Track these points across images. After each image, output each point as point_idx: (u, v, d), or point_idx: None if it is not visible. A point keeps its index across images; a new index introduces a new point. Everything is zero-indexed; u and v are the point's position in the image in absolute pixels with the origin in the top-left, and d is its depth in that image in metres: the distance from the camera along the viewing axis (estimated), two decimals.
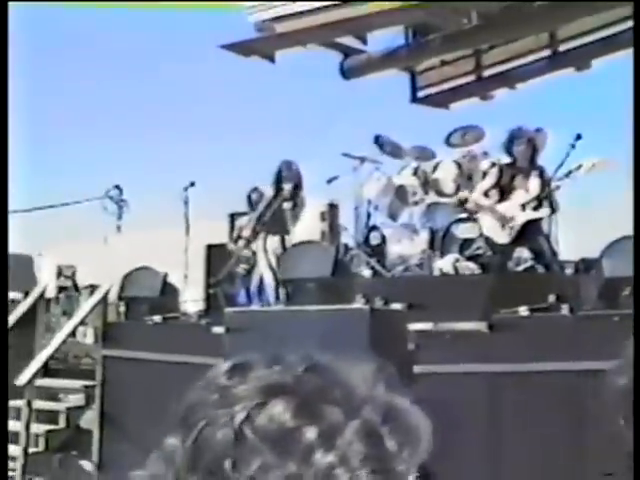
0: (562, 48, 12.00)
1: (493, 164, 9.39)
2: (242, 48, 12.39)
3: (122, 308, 9.31)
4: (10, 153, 8.53)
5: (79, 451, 9.12)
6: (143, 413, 8.52)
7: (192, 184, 10.53)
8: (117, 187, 12.48)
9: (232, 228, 10.72)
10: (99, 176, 14.98)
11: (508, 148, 8.88)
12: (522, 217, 8.58)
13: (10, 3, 8.45)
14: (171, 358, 8.46)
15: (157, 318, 8.79)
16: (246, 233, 9.99)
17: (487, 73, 12.70)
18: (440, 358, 7.13)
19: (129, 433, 8.60)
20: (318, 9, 11.34)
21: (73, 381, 9.61)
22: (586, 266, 8.57)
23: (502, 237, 8.64)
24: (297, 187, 9.91)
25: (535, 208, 8.62)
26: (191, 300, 10.14)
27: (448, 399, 6.95)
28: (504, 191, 8.74)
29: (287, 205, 9.82)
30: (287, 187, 9.79)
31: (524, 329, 7.06)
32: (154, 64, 17.85)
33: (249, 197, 10.49)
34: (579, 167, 8.62)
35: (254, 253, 10.19)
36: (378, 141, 10.73)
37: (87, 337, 10.73)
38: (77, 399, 9.48)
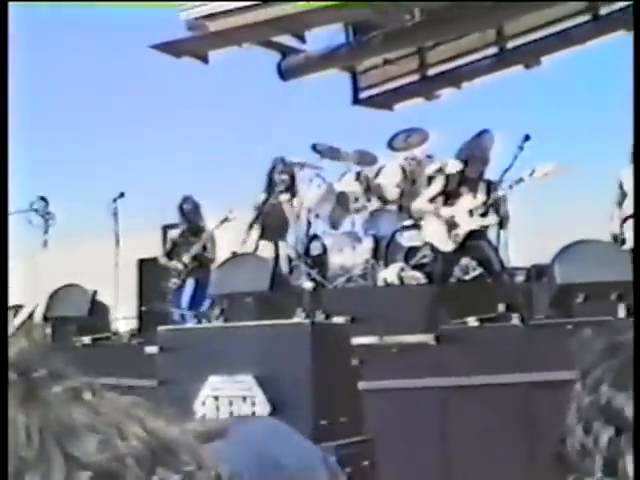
0: (510, 45, 12.14)
1: (439, 169, 9.49)
2: (173, 48, 12.35)
3: (48, 329, 9.26)
4: None
5: None
6: None
7: (121, 195, 10.49)
8: (42, 198, 12.41)
9: (165, 241, 10.72)
10: (21, 186, 14.87)
11: (459, 155, 9.00)
12: (468, 224, 8.67)
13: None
14: (102, 381, 8.43)
15: (86, 339, 8.76)
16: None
17: (432, 72, 12.80)
18: (386, 373, 7.20)
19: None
20: (254, 6, 11.35)
21: None
22: (538, 273, 8.70)
23: (447, 244, 8.73)
24: (293, 180, 10.18)
25: (482, 215, 8.72)
26: (122, 318, 10.12)
27: (396, 415, 7.05)
28: (450, 196, 8.83)
29: (284, 197, 10.05)
30: (283, 177, 10.06)
31: (473, 340, 7.16)
32: (81, 64, 17.77)
33: (181, 207, 10.52)
34: (532, 172, 8.73)
35: (185, 266, 10.24)
36: (315, 148, 10.81)
37: None
38: None
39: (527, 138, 8.77)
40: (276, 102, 13.62)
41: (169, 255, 10.45)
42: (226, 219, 10.25)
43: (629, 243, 8.32)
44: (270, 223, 10.11)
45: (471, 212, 8.68)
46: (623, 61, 8.85)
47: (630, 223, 8.45)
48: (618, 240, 8.55)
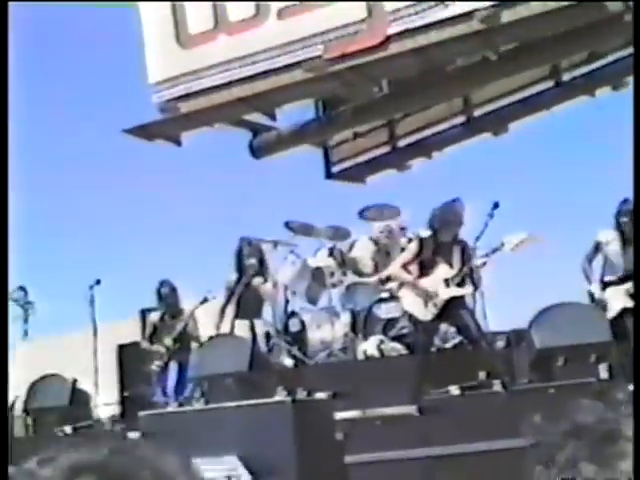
0: (477, 113, 12.31)
1: (410, 239, 9.58)
2: (145, 131, 12.43)
3: (29, 421, 9.24)
4: None
5: None
6: None
7: (98, 282, 10.54)
8: (21, 288, 12.42)
9: (144, 325, 10.75)
10: None
11: (431, 222, 9.10)
12: (446, 293, 8.74)
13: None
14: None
15: (67, 429, 8.74)
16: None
17: (402, 143, 12.92)
18: (371, 446, 7.22)
19: None
20: (223, 85, 11.48)
21: None
22: (517, 338, 8.77)
23: (425, 314, 8.79)
24: (262, 264, 10.23)
25: (459, 284, 8.80)
26: (104, 405, 10.10)
27: None
28: (425, 266, 8.91)
29: (258, 280, 10.11)
30: (252, 261, 10.11)
31: (456, 409, 7.19)
32: (54, 147, 17.89)
33: (158, 291, 10.56)
34: (502, 245, 8.85)
35: (168, 349, 10.25)
36: (288, 226, 10.92)
37: None
38: None
39: (496, 206, 8.90)
40: (249, 180, 13.77)
41: (150, 339, 10.47)
42: (206, 299, 10.31)
43: (611, 308, 8.40)
44: (245, 302, 10.19)
45: (447, 281, 8.75)
46: (587, 125, 9.04)
47: (611, 289, 8.54)
48: (596, 302, 8.61)
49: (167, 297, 10.51)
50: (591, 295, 8.67)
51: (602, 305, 8.47)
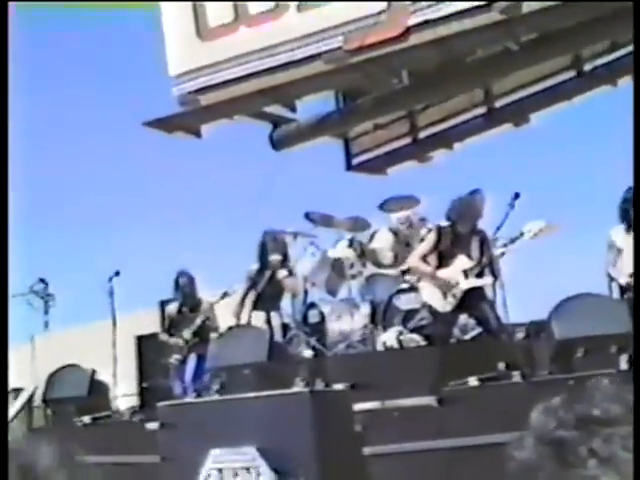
0: (498, 104, 12.25)
1: (430, 230, 9.55)
2: (165, 124, 12.44)
3: (48, 411, 9.28)
4: None
5: None
6: None
7: (117, 273, 10.58)
8: (42, 280, 12.50)
9: (163, 316, 10.76)
10: (21, 269, 14.95)
11: (448, 214, 9.09)
12: (465, 284, 8.72)
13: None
14: (105, 460, 8.43)
15: (86, 419, 8.77)
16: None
17: (423, 134, 12.88)
18: (390, 437, 7.20)
19: None
20: (243, 77, 11.48)
21: None
22: (537, 329, 8.72)
23: (444, 305, 8.77)
24: (285, 258, 10.25)
25: (478, 274, 8.78)
26: (122, 396, 10.13)
27: (402, 479, 7.05)
28: (444, 257, 8.89)
29: (282, 273, 10.14)
30: (276, 256, 10.13)
31: (475, 400, 7.17)
32: (75, 140, 17.96)
33: (176, 281, 10.59)
34: (522, 234, 8.82)
35: (186, 342, 10.27)
36: (309, 217, 10.92)
37: None
38: None
39: (517, 196, 8.88)
40: (269, 172, 13.73)
41: (169, 331, 10.49)
42: (226, 294, 10.32)
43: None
44: (265, 295, 10.19)
45: (466, 273, 8.73)
46: (609, 115, 8.97)
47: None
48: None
49: (184, 287, 10.54)
50: (621, 287, 8.57)
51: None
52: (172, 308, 10.59)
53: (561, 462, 1.29)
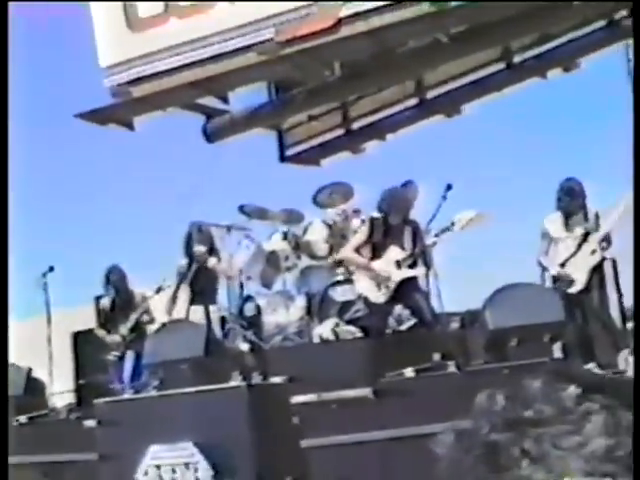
0: (430, 95, 12.33)
1: (363, 222, 9.61)
2: (98, 116, 12.33)
3: None
4: None
5: None
6: None
7: (51, 269, 10.48)
8: None
9: (99, 312, 10.69)
10: None
11: (380, 205, 9.14)
12: (398, 275, 8.77)
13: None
14: (42, 459, 8.38)
15: (23, 418, 8.68)
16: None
17: (356, 125, 12.92)
18: (327, 429, 7.23)
19: None
20: (175, 69, 11.40)
21: None
22: (472, 319, 8.81)
23: (378, 296, 8.82)
24: (212, 250, 10.21)
25: (411, 265, 8.84)
26: (59, 393, 10.04)
27: (340, 470, 7.09)
28: (377, 248, 8.94)
29: (212, 261, 10.10)
30: (200, 249, 10.09)
31: (411, 391, 7.22)
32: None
33: (107, 277, 10.54)
34: (452, 224, 8.89)
35: (124, 338, 10.21)
36: (243, 210, 10.91)
37: None
38: None
39: (449, 187, 8.96)
40: (203, 165, 13.68)
41: (104, 326, 10.43)
42: (160, 288, 10.28)
43: (577, 281, 8.42)
44: (199, 288, 10.17)
45: (399, 263, 8.79)
46: (539, 107, 9.08)
47: (570, 265, 8.56)
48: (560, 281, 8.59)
49: (116, 282, 10.49)
50: (553, 277, 8.67)
51: (567, 281, 8.47)
52: (105, 303, 10.52)
53: (494, 465, 1.31)
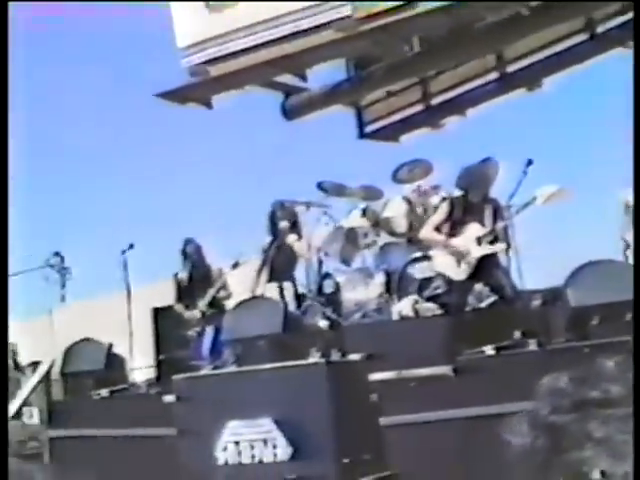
0: (510, 69, 12.14)
1: (444, 198, 9.51)
2: (177, 95, 12.41)
3: (65, 384, 9.29)
4: None
5: None
6: None
7: (131, 246, 10.58)
8: (57, 254, 12.47)
9: (177, 287, 10.75)
10: (35, 243, 14.93)
11: (459, 183, 9.05)
12: (478, 252, 8.68)
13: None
14: (122, 433, 8.45)
15: (104, 392, 8.78)
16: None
17: (435, 101, 12.80)
18: (406, 407, 7.16)
19: None
20: (253, 47, 11.41)
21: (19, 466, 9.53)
22: (554, 296, 8.66)
23: (458, 273, 8.74)
24: (294, 225, 10.23)
25: (491, 242, 8.73)
26: (139, 369, 10.13)
27: (418, 449, 7.02)
28: (457, 225, 8.84)
29: (292, 237, 10.13)
30: (284, 224, 10.12)
31: (491, 369, 7.11)
32: (89, 115, 17.88)
33: (184, 250, 10.61)
34: (534, 199, 8.75)
35: (203, 314, 10.26)
36: (321, 187, 10.87)
37: (33, 418, 10.66)
38: None
39: (530, 163, 8.81)
40: (282, 142, 13.69)
41: (182, 301, 10.50)
42: (237, 264, 10.31)
43: None
44: (278, 265, 10.17)
45: (479, 240, 8.70)
46: (622, 78, 8.84)
47: None
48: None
49: (192, 255, 10.57)
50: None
51: None
52: (182, 277, 10.61)
53: (555, 447, 1.27)
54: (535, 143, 12.18)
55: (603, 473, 1.14)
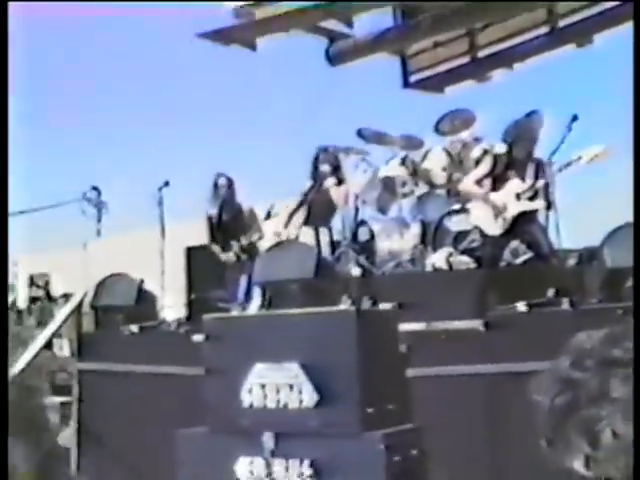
0: (561, 24, 11.94)
1: (485, 151, 9.39)
2: (221, 36, 12.34)
3: (95, 318, 9.33)
4: None
5: (57, 472, 9.10)
6: (123, 429, 8.55)
7: (166, 183, 10.54)
8: (95, 188, 12.50)
9: (211, 225, 10.73)
10: (74, 177, 14.97)
11: (505, 137, 8.91)
12: (516, 207, 8.58)
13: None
14: (150, 369, 8.47)
15: (134, 327, 8.79)
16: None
17: (482, 54, 12.64)
18: (434, 360, 7.12)
19: (109, 450, 8.62)
20: None
21: (48, 398, 9.62)
22: (589, 256, 8.56)
23: (495, 228, 8.64)
24: (336, 169, 10.16)
25: (531, 199, 8.61)
26: (170, 307, 10.14)
27: (445, 402, 6.98)
28: (498, 180, 8.74)
29: (331, 181, 10.06)
30: (325, 167, 10.07)
31: (522, 326, 7.05)
32: (128, 57, 17.83)
33: (215, 183, 10.60)
34: (579, 158, 8.62)
35: (238, 258, 10.23)
36: (361, 133, 10.77)
37: (64, 349, 10.75)
38: (53, 417, 9.48)
39: (575, 118, 8.66)
40: (325, 88, 13.57)
41: (214, 239, 10.50)
42: (269, 214, 10.30)
43: None
44: (315, 210, 10.09)
45: (518, 196, 8.58)
46: None
47: None
48: None
49: (222, 188, 10.55)
50: None
51: None
52: (213, 213, 10.61)
53: (575, 403, 1.23)
54: (582, 99, 11.97)
55: (615, 433, 1.11)
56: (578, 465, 1.20)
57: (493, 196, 8.68)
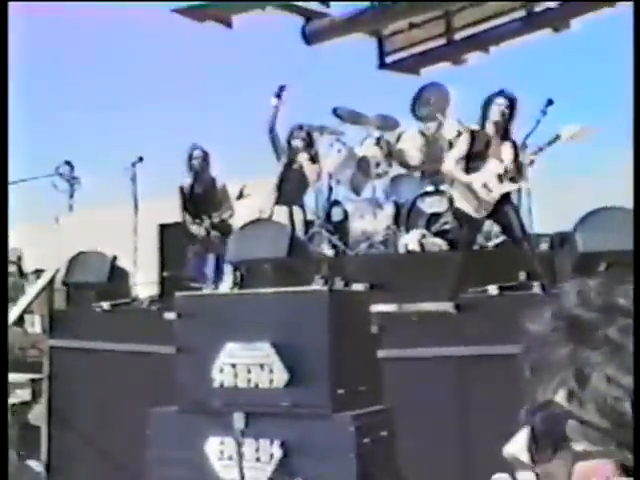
0: (538, 8, 11.94)
1: (459, 132, 9.35)
2: (196, 13, 12.26)
3: (67, 294, 9.26)
4: None
5: (27, 450, 9.08)
6: (94, 407, 8.51)
7: (140, 159, 10.46)
8: (68, 163, 12.42)
9: (183, 196, 10.67)
10: (46, 151, 14.86)
11: (484, 111, 8.81)
12: (500, 189, 8.47)
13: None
14: (122, 347, 8.43)
15: (105, 305, 8.74)
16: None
17: (459, 36, 12.63)
18: (405, 341, 7.12)
19: (80, 429, 8.58)
20: None
21: (19, 374, 9.56)
22: (561, 240, 8.57)
23: (478, 210, 8.52)
24: (310, 145, 10.11)
25: (512, 179, 8.55)
26: (142, 284, 10.08)
27: (414, 384, 6.98)
28: (474, 160, 8.63)
29: (303, 156, 10.01)
30: (297, 143, 10.02)
31: (493, 309, 7.06)
32: (103, 31, 17.71)
33: (190, 156, 10.56)
34: (557, 137, 8.59)
35: (208, 233, 10.18)
36: (336, 113, 10.72)
37: (35, 326, 10.67)
38: (23, 394, 9.44)
39: (550, 102, 8.66)
40: (300, 67, 13.52)
41: (187, 210, 10.46)
42: (241, 195, 10.25)
43: None
44: (287, 188, 10.04)
45: (500, 177, 8.48)
46: None
47: None
48: None
49: (196, 159, 10.52)
50: None
51: None
52: (185, 184, 10.57)
53: (575, 337, 1.25)
54: (557, 82, 11.98)
55: (608, 378, 1.11)
56: (560, 397, 1.21)
57: (475, 177, 8.58)
